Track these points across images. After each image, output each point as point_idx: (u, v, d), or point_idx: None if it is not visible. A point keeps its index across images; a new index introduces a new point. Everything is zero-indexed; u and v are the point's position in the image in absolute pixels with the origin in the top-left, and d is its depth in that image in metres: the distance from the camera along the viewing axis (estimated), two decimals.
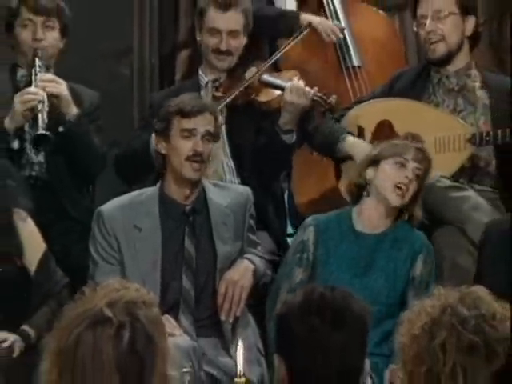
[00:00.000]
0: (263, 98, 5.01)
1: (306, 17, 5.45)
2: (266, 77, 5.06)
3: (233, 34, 5.08)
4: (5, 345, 4.24)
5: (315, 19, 5.45)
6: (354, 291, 4.12)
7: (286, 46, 5.13)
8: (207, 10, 5.10)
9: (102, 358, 2.47)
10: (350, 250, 4.56)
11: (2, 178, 4.53)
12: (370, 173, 4.54)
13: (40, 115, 4.72)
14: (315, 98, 4.90)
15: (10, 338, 4.27)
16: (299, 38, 5.14)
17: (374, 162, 4.55)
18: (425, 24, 5.00)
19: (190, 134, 4.56)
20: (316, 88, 4.95)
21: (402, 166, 4.51)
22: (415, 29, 5.15)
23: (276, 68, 5.32)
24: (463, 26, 5.05)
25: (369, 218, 4.58)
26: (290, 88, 4.90)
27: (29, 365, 4.10)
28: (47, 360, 2.54)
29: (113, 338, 2.48)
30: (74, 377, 2.49)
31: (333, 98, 4.95)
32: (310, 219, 4.67)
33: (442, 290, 2.62)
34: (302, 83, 4.93)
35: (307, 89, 4.90)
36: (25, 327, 4.32)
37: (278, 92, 4.99)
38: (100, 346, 2.48)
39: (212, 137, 4.58)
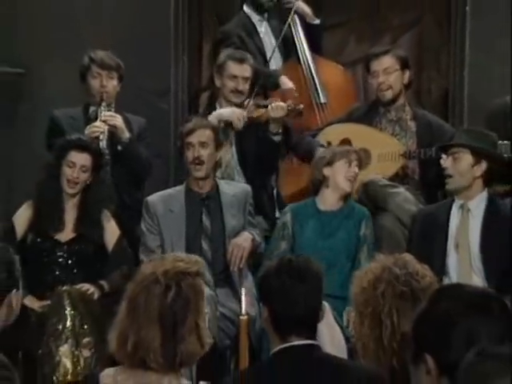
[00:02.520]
0: (255, 114, 4.95)
1: (282, 80, 5.40)
2: (257, 101, 5.03)
3: (245, 79, 5.04)
4: (89, 292, 4.24)
5: (287, 82, 5.40)
6: (323, 249, 4.20)
7: (259, 86, 5.11)
8: (227, 63, 5.04)
9: (150, 309, 2.48)
10: (316, 223, 4.54)
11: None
12: (326, 171, 4.54)
13: (101, 143, 4.71)
14: (289, 108, 4.87)
15: (91, 287, 4.26)
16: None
17: (329, 163, 4.53)
18: (378, 77, 4.96)
19: (190, 145, 4.61)
20: (289, 101, 4.93)
21: (349, 164, 4.53)
22: (370, 80, 5.12)
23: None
24: (402, 77, 5.02)
25: (328, 201, 4.57)
26: (271, 107, 4.88)
27: (104, 307, 4.15)
28: (122, 302, 2.57)
29: (160, 296, 2.49)
30: (133, 318, 2.50)
31: (300, 106, 4.93)
32: (287, 208, 4.69)
33: (382, 256, 2.66)
34: (279, 102, 4.91)
35: (282, 104, 4.88)
36: (101, 281, 4.33)
37: (265, 109, 4.95)
38: (151, 300, 2.49)
39: (207, 144, 4.60)
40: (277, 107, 4.86)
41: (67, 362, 3.98)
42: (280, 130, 4.91)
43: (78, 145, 4.42)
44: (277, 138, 4.92)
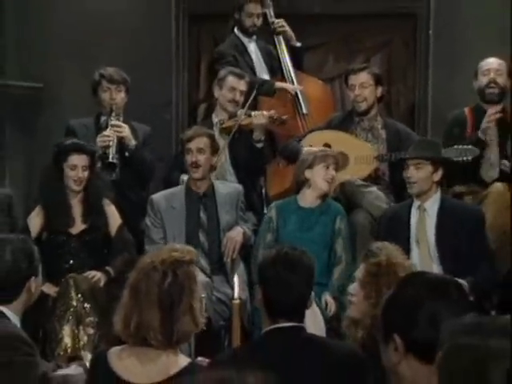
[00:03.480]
0: (245, 121, 4.93)
1: (278, 83, 5.40)
2: (248, 111, 4.98)
3: (242, 92, 5.04)
4: (94, 279, 4.21)
5: (285, 84, 5.42)
6: (303, 241, 4.21)
7: (253, 96, 5.03)
8: (228, 76, 5.04)
9: (150, 293, 2.47)
10: (297, 218, 4.52)
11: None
12: (307, 173, 4.51)
13: (111, 149, 4.70)
14: (272, 117, 4.87)
15: (97, 274, 4.25)
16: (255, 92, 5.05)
17: (309, 166, 4.51)
18: (355, 90, 4.95)
19: (189, 151, 4.61)
20: (272, 111, 4.93)
21: (327, 168, 4.50)
22: (348, 92, 5.08)
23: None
24: (376, 91, 5.00)
25: (308, 199, 4.55)
26: (254, 115, 4.88)
27: (111, 292, 4.12)
28: (125, 289, 2.56)
29: (158, 282, 2.48)
30: (135, 302, 2.49)
31: (284, 117, 4.95)
32: (272, 204, 4.67)
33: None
34: (261, 111, 4.91)
35: (264, 112, 4.88)
36: (107, 267, 4.30)
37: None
38: (150, 286, 2.48)
39: (204, 150, 4.59)
40: (258, 115, 4.86)
41: (68, 340, 3.98)
42: (262, 138, 4.89)
43: (76, 148, 4.39)
44: (259, 145, 4.91)
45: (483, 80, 4.86)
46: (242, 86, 5.03)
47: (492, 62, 4.89)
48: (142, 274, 2.50)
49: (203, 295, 3.43)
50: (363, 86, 4.96)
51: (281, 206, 4.57)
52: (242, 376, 1.24)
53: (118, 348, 2.55)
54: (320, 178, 4.49)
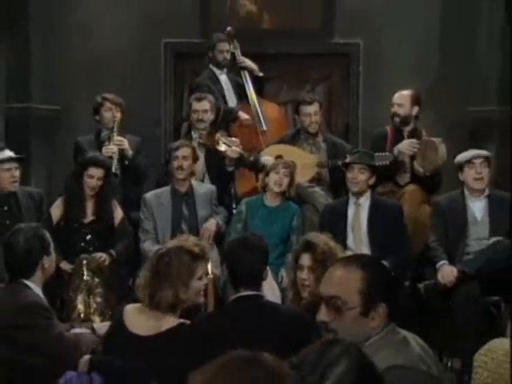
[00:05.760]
0: (221, 148, 4.84)
1: (240, 113, 5.37)
2: (224, 138, 4.92)
3: (204, 111, 4.98)
4: (101, 259, 4.20)
5: (241, 113, 5.36)
6: (267, 232, 4.19)
7: (229, 124, 5.06)
8: (192, 101, 5.03)
9: (158, 272, 2.57)
10: (262, 213, 4.52)
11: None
12: (266, 179, 4.55)
13: (114, 161, 4.69)
14: (242, 154, 4.83)
15: (103, 255, 4.24)
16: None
17: (266, 174, 4.55)
18: (311, 117, 4.95)
19: (176, 158, 4.57)
20: (240, 146, 4.85)
21: (277, 173, 4.51)
22: (303, 118, 5.00)
23: (228, 132, 5.25)
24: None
25: (270, 199, 4.56)
26: (231, 150, 4.79)
27: (113, 270, 4.18)
28: (147, 264, 2.66)
29: (165, 265, 2.56)
30: (149, 279, 2.59)
31: (251, 158, 4.89)
32: (243, 201, 4.66)
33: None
34: (236, 148, 4.81)
35: (238, 150, 4.81)
36: (110, 250, 4.29)
37: (228, 148, 4.84)
38: (160, 266, 2.58)
39: (188, 158, 4.57)
40: (233, 151, 4.80)
41: (81, 307, 4.01)
42: (233, 163, 4.85)
43: (95, 162, 4.40)
44: (231, 169, 4.89)
45: (391, 111, 4.95)
46: (203, 106, 4.97)
47: (396, 98, 4.91)
48: (157, 257, 2.60)
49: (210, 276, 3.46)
50: (316, 114, 5.00)
51: (250, 203, 4.57)
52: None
53: (131, 306, 2.66)
54: (272, 183, 4.51)
